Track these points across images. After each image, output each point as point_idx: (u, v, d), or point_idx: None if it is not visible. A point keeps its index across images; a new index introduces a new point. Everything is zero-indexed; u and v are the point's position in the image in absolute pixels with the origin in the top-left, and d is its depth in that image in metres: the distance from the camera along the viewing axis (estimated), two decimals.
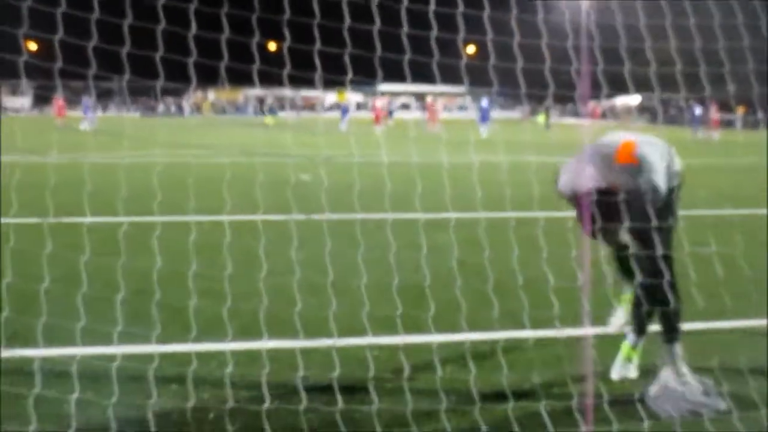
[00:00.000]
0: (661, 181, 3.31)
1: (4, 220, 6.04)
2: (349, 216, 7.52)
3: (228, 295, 3.84)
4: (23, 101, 58.60)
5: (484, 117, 30.28)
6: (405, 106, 66.89)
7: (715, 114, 33.15)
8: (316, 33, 3.30)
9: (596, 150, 3.44)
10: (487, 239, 4.12)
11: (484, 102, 31.11)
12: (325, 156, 16.44)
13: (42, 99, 52.13)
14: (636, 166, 3.31)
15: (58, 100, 33.97)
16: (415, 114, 53.18)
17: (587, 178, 3.35)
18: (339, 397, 3.10)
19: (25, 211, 6.42)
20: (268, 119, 36.96)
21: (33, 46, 4.56)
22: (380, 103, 34.74)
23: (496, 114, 46.37)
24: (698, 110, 34.05)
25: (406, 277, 4.89)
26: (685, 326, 3.72)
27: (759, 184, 11.21)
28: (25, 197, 7.31)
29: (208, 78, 4.21)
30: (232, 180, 10.73)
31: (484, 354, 3.85)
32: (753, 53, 3.79)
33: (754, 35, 3.67)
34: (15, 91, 59.18)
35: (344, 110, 33.49)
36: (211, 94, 71.65)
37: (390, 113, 38.80)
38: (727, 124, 37.78)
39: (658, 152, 3.38)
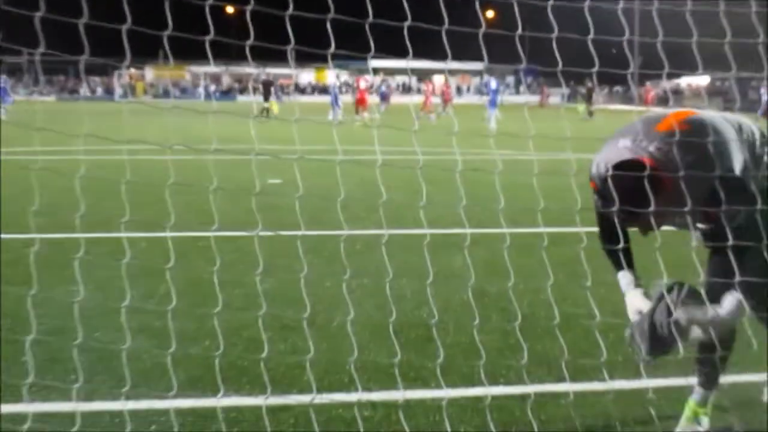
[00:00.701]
0: (733, 161, 3.12)
1: None
2: (331, 232, 7.53)
3: (172, 335, 3.83)
4: None
5: (494, 102, 30.21)
6: (405, 88, 67.15)
7: None
8: None
9: (639, 121, 3.32)
10: (512, 262, 4.11)
11: (494, 83, 30.99)
12: (300, 152, 16.46)
13: None
14: (688, 136, 3.07)
15: None
16: (416, 98, 53.36)
17: (617, 151, 3.12)
18: None
19: None
20: (275, 105, 35.30)
21: None
22: (365, 83, 34.46)
23: (517, 97, 46.29)
24: (765, 94, 34.51)
25: (406, 313, 4.89)
26: (753, 377, 3.76)
27: None
28: None
29: (145, 51, 4.23)
30: (178, 185, 10.71)
31: (509, 412, 3.84)
32: None
33: None
34: None
35: (334, 95, 33.00)
36: (149, 73, 71.84)
37: (383, 97, 38.76)
38: None
39: (730, 126, 3.26)
